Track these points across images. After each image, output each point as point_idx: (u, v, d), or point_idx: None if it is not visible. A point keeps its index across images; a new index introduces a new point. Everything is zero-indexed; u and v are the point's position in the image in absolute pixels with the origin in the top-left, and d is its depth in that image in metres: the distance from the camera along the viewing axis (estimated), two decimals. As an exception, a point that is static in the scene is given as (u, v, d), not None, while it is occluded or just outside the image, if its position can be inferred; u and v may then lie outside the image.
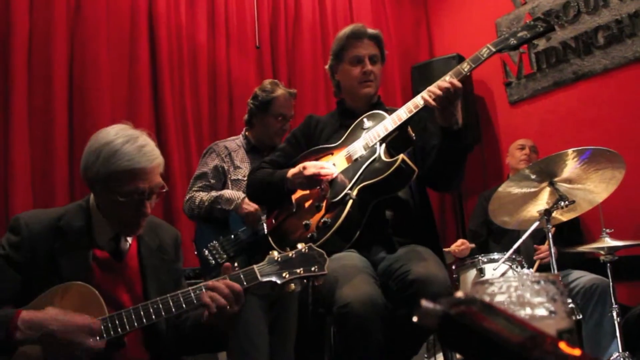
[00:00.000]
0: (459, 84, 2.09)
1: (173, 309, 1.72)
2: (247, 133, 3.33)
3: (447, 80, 2.11)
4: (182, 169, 4.00)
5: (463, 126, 2.16)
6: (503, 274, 2.79)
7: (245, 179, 3.10)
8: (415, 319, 0.48)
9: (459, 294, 0.48)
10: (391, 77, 5.09)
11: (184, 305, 1.72)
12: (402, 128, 2.23)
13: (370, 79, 2.43)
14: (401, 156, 2.13)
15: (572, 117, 4.34)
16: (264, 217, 2.93)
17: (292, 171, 2.27)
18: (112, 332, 1.65)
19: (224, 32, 4.45)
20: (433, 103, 2.09)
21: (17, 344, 1.57)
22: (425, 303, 0.48)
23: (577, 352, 0.45)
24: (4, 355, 1.59)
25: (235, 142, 3.32)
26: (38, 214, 1.86)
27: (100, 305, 1.69)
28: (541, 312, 0.65)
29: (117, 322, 1.67)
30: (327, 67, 2.58)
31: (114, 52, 3.96)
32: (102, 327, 1.63)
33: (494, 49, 2.22)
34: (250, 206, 2.96)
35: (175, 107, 4.11)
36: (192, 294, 1.73)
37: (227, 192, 3.05)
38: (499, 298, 0.66)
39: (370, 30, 2.47)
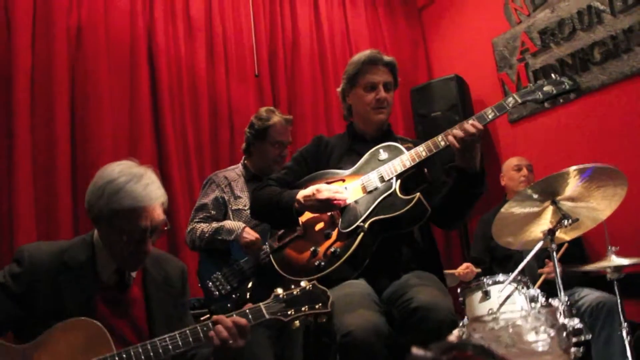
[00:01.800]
0: (480, 127, 2.11)
1: (181, 346, 1.73)
2: (246, 162, 3.33)
3: (470, 123, 2.12)
4: (185, 200, 4.00)
5: (480, 172, 2.16)
6: (509, 296, 2.76)
7: (246, 208, 3.09)
8: (407, 366, 0.48)
9: (452, 337, 0.48)
10: (391, 100, 5.10)
11: (191, 342, 1.73)
12: (418, 166, 2.23)
13: (383, 105, 2.43)
14: (418, 195, 2.13)
15: (573, 133, 4.34)
16: (264, 247, 2.92)
17: (303, 193, 2.24)
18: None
19: (223, 61, 4.49)
20: (456, 144, 2.10)
21: None
22: (415, 351, 0.47)
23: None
24: None
25: (235, 172, 3.32)
26: (42, 247, 1.88)
27: (108, 342, 1.71)
28: (538, 347, 0.64)
29: (124, 358, 1.67)
30: (338, 90, 2.56)
31: (115, 84, 3.99)
32: None
33: (519, 100, 2.27)
34: (250, 235, 2.95)
35: (176, 137, 4.14)
36: (201, 331, 1.74)
37: (228, 223, 3.04)
38: (497, 334, 0.66)
39: (387, 58, 2.48)
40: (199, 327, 1.75)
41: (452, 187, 2.21)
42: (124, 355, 1.68)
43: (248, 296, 2.91)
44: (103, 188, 1.78)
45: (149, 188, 1.80)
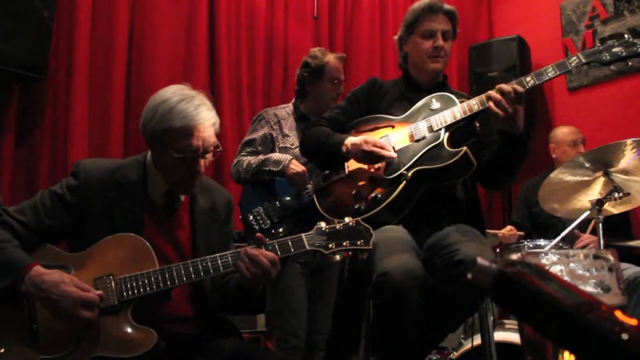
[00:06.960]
0: (520, 90, 2.02)
1: (221, 268, 1.78)
2: (297, 103, 3.33)
3: (512, 86, 2.04)
4: (234, 134, 4.07)
5: (523, 136, 2.10)
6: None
7: (293, 147, 3.11)
8: (469, 276, 0.49)
9: (514, 256, 0.49)
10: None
11: (221, 269, 1.77)
12: (469, 119, 2.19)
13: (440, 54, 2.38)
14: (465, 148, 2.10)
15: (634, 107, 4.18)
16: (310, 184, 2.94)
17: (351, 140, 2.22)
18: (161, 285, 1.72)
19: (282, 1, 4.48)
20: (493, 107, 2.04)
21: (20, 295, 1.66)
22: (480, 260, 0.48)
23: (633, 321, 0.44)
24: (8, 302, 1.67)
25: (285, 110, 3.32)
26: (98, 163, 1.93)
27: (152, 258, 1.77)
28: (593, 287, 0.64)
29: (166, 275, 1.74)
30: (395, 37, 2.52)
31: (174, 15, 4.06)
32: (113, 293, 1.71)
33: (584, 60, 2.10)
34: (297, 167, 2.97)
35: (230, 72, 4.19)
36: (230, 259, 1.78)
37: (276, 155, 3.07)
38: (551, 269, 0.66)
39: (447, 6, 2.42)
40: (228, 255, 1.79)
41: (498, 149, 2.17)
42: (166, 273, 1.74)
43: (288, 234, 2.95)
44: (156, 108, 1.82)
45: (200, 108, 1.82)
